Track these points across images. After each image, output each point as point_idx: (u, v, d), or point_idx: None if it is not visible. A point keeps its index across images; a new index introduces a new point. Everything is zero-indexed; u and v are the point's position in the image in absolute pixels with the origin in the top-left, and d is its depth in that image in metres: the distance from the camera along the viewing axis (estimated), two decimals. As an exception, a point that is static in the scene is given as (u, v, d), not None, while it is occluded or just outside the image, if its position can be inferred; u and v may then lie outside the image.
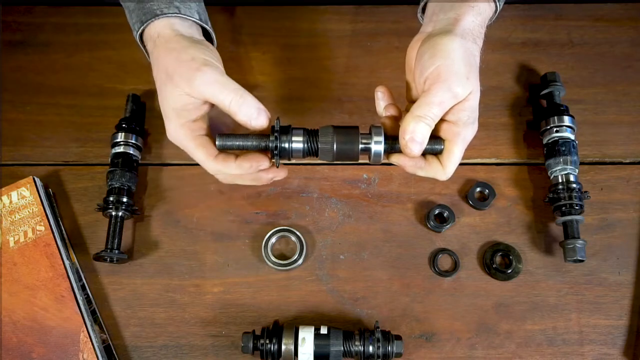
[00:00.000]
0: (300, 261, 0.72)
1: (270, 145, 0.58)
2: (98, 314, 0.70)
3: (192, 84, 0.57)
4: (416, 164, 0.60)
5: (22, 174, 0.74)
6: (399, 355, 0.64)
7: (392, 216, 0.75)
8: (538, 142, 0.77)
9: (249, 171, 0.60)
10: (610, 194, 0.75)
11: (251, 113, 0.57)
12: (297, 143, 0.59)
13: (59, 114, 0.80)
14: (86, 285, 0.71)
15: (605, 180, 0.76)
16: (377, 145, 0.58)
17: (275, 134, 0.58)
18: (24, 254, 0.70)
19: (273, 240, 0.73)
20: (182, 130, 0.60)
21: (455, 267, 0.72)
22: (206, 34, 0.66)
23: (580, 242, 0.69)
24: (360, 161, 0.61)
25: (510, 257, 0.72)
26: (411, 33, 0.63)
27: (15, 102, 0.80)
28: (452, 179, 0.63)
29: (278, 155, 0.59)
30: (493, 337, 0.69)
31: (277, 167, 0.61)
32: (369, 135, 0.58)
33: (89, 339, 0.67)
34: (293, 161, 0.62)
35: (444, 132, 0.59)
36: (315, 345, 0.64)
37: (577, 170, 0.72)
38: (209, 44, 0.63)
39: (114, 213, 0.71)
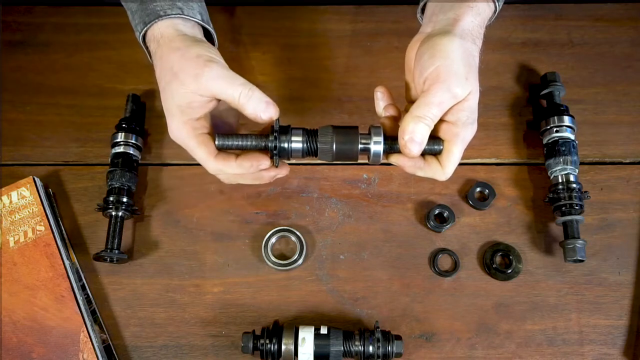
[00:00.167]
0: (300, 261, 0.72)
1: (269, 145, 0.58)
2: (98, 314, 0.70)
3: (200, 80, 0.57)
4: (415, 164, 0.60)
5: (22, 174, 0.74)
6: (399, 355, 0.64)
7: (392, 216, 0.75)
8: (538, 142, 0.77)
9: (249, 170, 0.60)
10: (610, 194, 0.75)
11: (260, 106, 0.57)
12: (297, 143, 0.59)
13: (59, 114, 0.80)
14: (86, 285, 0.71)
15: (605, 180, 0.76)
16: (376, 146, 0.58)
17: (275, 134, 0.58)
18: (24, 254, 0.70)
19: (273, 240, 0.73)
20: (184, 127, 0.60)
21: (455, 267, 0.72)
22: (207, 34, 0.66)
23: (580, 242, 0.69)
24: (360, 161, 0.61)
25: (510, 257, 0.72)
26: (411, 33, 0.63)
27: (15, 102, 0.80)
28: (452, 179, 0.63)
29: (277, 155, 0.59)
30: (493, 337, 0.69)
31: (277, 167, 0.61)
32: (368, 135, 0.58)
33: (89, 339, 0.67)
34: (293, 161, 0.62)
35: (443, 133, 0.59)
36: (315, 345, 0.64)
37: (577, 170, 0.72)
38: (210, 44, 0.63)
39: (114, 213, 0.71)
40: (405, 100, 0.63)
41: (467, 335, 0.70)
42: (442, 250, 0.73)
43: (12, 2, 0.85)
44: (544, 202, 0.74)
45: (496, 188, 0.75)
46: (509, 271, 0.71)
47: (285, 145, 0.59)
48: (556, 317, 0.70)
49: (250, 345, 0.64)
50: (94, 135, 0.78)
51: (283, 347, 0.64)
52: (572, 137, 0.73)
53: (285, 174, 0.64)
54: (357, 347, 0.64)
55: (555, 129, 0.73)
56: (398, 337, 0.65)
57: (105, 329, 0.70)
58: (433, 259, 0.72)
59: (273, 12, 0.85)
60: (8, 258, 0.69)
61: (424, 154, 0.59)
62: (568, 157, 0.72)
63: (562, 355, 0.69)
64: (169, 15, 0.61)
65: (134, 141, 0.74)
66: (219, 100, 0.60)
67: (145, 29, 0.62)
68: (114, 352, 0.69)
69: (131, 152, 0.74)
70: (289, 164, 0.64)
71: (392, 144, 0.59)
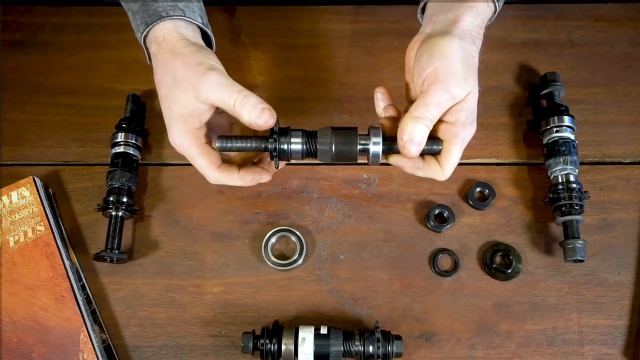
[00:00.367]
0: (300, 261, 0.72)
1: (269, 147, 0.59)
2: (98, 314, 0.70)
3: (199, 87, 0.57)
4: (415, 164, 0.60)
5: (22, 174, 0.74)
6: (399, 355, 0.64)
7: (392, 216, 0.75)
8: (538, 142, 0.77)
9: (251, 184, 0.62)
10: (610, 194, 0.75)
11: (255, 112, 0.57)
12: (296, 144, 0.59)
13: (59, 114, 0.80)
14: (86, 285, 0.71)
15: (605, 180, 0.76)
16: (375, 146, 0.58)
17: (275, 136, 0.58)
18: (24, 254, 0.70)
19: (273, 240, 0.73)
20: (187, 137, 0.60)
21: (455, 267, 0.72)
22: (205, 37, 0.66)
23: (580, 242, 0.69)
24: (360, 161, 0.61)
25: (510, 257, 0.72)
26: (411, 33, 0.63)
27: (15, 102, 0.80)
28: (452, 179, 0.63)
29: (277, 156, 0.59)
30: (493, 337, 0.69)
31: (277, 168, 0.62)
32: (367, 136, 0.59)
33: (89, 339, 0.67)
34: (293, 161, 0.63)
35: (442, 133, 0.59)
36: (315, 345, 0.64)
37: (577, 170, 0.72)
38: (210, 50, 0.63)
39: (114, 213, 0.71)
40: (405, 101, 0.63)
41: (467, 335, 0.70)
42: (442, 250, 0.73)
43: (12, 2, 0.85)
44: (544, 202, 0.74)
45: (496, 188, 0.75)
46: (509, 271, 0.71)
47: (285, 146, 0.59)
48: (556, 317, 0.70)
49: (250, 345, 0.64)
50: (94, 135, 0.78)
51: (283, 347, 0.64)
52: (572, 137, 0.73)
53: (268, 180, 0.65)
54: (357, 347, 0.64)
55: (555, 129, 0.73)
56: (398, 337, 0.65)
57: (105, 329, 0.70)
58: (433, 259, 0.72)
59: (273, 12, 0.85)
60: (8, 258, 0.69)
61: (423, 154, 0.59)
62: (568, 157, 0.72)
63: (562, 355, 0.69)
64: (171, 16, 0.61)
65: (134, 141, 0.74)
66: (217, 108, 0.60)
67: (148, 30, 0.62)
68: (114, 352, 0.69)
69: (131, 152, 0.74)
70: (289, 164, 0.65)
71: (391, 144, 0.59)
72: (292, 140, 0.59)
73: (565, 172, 0.72)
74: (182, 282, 0.72)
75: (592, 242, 0.72)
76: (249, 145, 0.60)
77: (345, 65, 0.82)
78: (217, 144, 0.60)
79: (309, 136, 0.59)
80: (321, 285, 0.72)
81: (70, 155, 0.78)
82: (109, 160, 0.74)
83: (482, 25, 0.61)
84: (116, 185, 0.72)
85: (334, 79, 0.81)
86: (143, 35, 0.62)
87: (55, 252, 0.70)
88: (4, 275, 0.69)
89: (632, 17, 0.84)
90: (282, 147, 0.59)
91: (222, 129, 0.65)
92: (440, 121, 0.58)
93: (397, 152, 0.59)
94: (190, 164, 0.62)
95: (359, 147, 0.58)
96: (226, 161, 0.63)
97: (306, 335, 0.64)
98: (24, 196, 0.72)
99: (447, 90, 0.55)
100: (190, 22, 0.63)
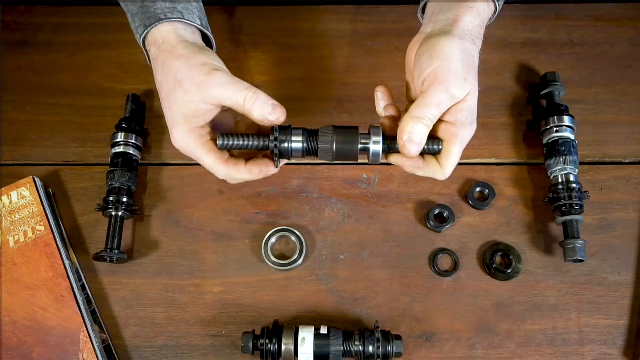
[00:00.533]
0: (300, 261, 0.72)
1: (270, 145, 0.59)
2: (98, 314, 0.70)
3: (204, 88, 0.57)
4: (415, 164, 0.60)
5: (22, 174, 0.74)
6: (399, 355, 0.64)
7: (392, 216, 0.75)
8: (538, 142, 0.77)
9: (258, 176, 0.62)
10: (610, 194, 0.75)
11: (266, 109, 0.57)
12: (297, 143, 0.59)
13: (59, 114, 0.80)
14: (86, 285, 0.71)
15: (605, 180, 0.76)
16: (376, 146, 0.58)
17: (275, 134, 0.59)
18: (24, 254, 0.70)
19: (273, 240, 0.73)
20: (190, 136, 0.60)
21: (455, 267, 0.72)
22: (205, 39, 0.66)
23: (580, 242, 0.69)
24: (360, 161, 0.61)
25: (510, 257, 0.72)
26: (411, 33, 0.63)
27: (15, 102, 0.80)
28: (452, 179, 0.63)
29: (278, 155, 0.59)
30: (493, 337, 0.69)
31: (277, 167, 0.62)
32: (368, 135, 0.59)
33: (89, 339, 0.67)
34: (293, 161, 0.63)
35: (442, 133, 0.59)
36: (315, 345, 0.64)
37: (577, 170, 0.72)
38: (212, 51, 0.63)
39: (114, 213, 0.71)
40: (406, 100, 0.63)
41: (467, 335, 0.70)
42: (442, 250, 0.73)
43: (12, 2, 0.85)
44: (544, 202, 0.74)
45: (496, 188, 0.75)
46: (509, 271, 0.71)
47: (286, 145, 0.59)
48: (556, 317, 0.70)
49: (250, 345, 0.64)
50: (94, 135, 0.78)
51: (283, 347, 0.64)
52: (572, 137, 0.73)
53: (275, 172, 0.65)
54: (357, 347, 0.64)
55: (555, 129, 0.73)
56: (398, 337, 0.65)
57: (105, 329, 0.70)
58: (433, 259, 0.72)
59: (273, 12, 0.85)
60: (8, 258, 0.69)
61: (423, 154, 0.59)
62: (568, 157, 0.72)
63: (562, 355, 0.69)
64: (169, 19, 0.61)
65: (134, 141, 0.74)
66: (222, 107, 0.60)
67: (146, 32, 0.62)
68: (114, 352, 0.69)
69: (131, 152, 0.74)
70: (290, 164, 0.65)
71: (391, 144, 0.59)
72: (293, 138, 0.59)
73: (565, 172, 0.72)
74: (182, 282, 0.72)
75: (592, 242, 0.72)
76: (250, 143, 0.60)
77: (345, 65, 0.82)
78: (218, 142, 0.60)
79: (310, 135, 0.60)
80: (321, 285, 0.72)
81: (70, 155, 0.78)
82: (109, 160, 0.74)
83: (483, 25, 0.61)
84: (116, 185, 0.72)
85: (334, 79, 0.81)
86: (142, 37, 0.62)
87: (55, 252, 0.70)
88: (4, 275, 0.69)
89: (632, 17, 0.84)
90: (283, 145, 0.59)
91: (227, 127, 0.65)
92: (440, 121, 0.58)
93: (398, 151, 0.59)
94: (190, 164, 0.63)
95: (359, 146, 0.59)
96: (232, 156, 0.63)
97: (306, 335, 0.64)
98: (24, 196, 0.72)
99: (446, 90, 0.55)
100: (189, 24, 0.63)
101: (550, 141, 0.74)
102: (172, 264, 0.73)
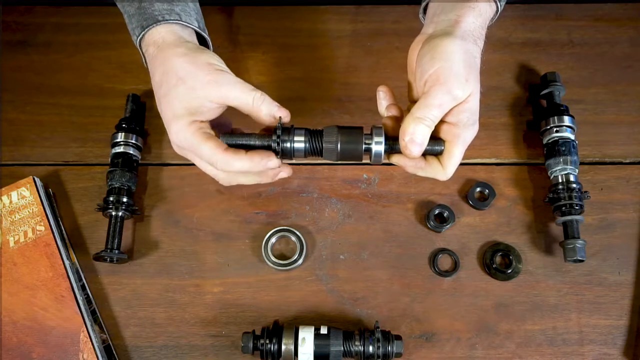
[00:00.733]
0: (300, 261, 0.72)
1: (272, 144, 0.59)
2: (98, 314, 0.70)
3: (213, 86, 0.57)
4: (416, 164, 0.60)
5: (22, 174, 0.74)
6: (399, 355, 0.64)
7: (392, 216, 0.75)
8: (538, 142, 0.77)
9: (259, 164, 0.59)
10: (610, 194, 0.75)
11: (273, 109, 0.59)
12: (299, 143, 0.60)
13: (59, 114, 0.80)
14: (86, 285, 0.71)
15: (605, 180, 0.76)
16: (378, 146, 0.59)
17: (278, 133, 0.59)
18: (24, 254, 0.70)
19: (273, 240, 0.73)
20: (190, 127, 0.59)
21: (455, 267, 0.72)
22: (202, 41, 0.66)
23: (580, 242, 0.69)
24: (361, 161, 0.61)
25: (510, 257, 0.72)
26: (412, 33, 0.64)
27: (15, 102, 0.80)
28: (452, 179, 0.63)
29: (280, 154, 0.60)
30: (493, 337, 0.69)
31: (278, 166, 0.62)
32: (370, 135, 0.59)
33: (89, 339, 0.67)
34: (294, 161, 0.63)
35: (444, 134, 0.59)
36: (315, 345, 0.64)
37: (577, 170, 0.72)
38: (214, 53, 0.63)
39: (114, 213, 0.71)
40: (407, 100, 0.63)
41: (467, 335, 0.70)
42: (442, 250, 0.73)
43: (12, 2, 0.85)
44: (544, 202, 0.74)
45: (496, 188, 0.75)
46: (509, 271, 0.71)
47: (288, 144, 0.59)
48: (556, 317, 0.70)
49: (250, 345, 0.64)
50: (94, 135, 0.78)
51: (283, 347, 0.64)
52: (572, 137, 0.73)
53: (288, 176, 0.64)
54: (357, 347, 0.64)
55: (555, 129, 0.73)
56: (398, 337, 0.65)
57: (105, 329, 0.70)
58: (433, 259, 0.72)
59: (273, 12, 0.85)
60: (8, 258, 0.69)
61: (425, 154, 0.60)
62: (568, 157, 0.72)
63: (562, 355, 0.69)
64: (167, 20, 0.61)
65: (134, 141, 0.74)
66: (225, 107, 0.60)
67: (143, 33, 0.62)
68: (114, 352, 0.69)
69: (131, 152, 0.74)
70: (290, 164, 0.65)
71: (393, 144, 0.59)
72: (296, 138, 0.60)
73: (565, 172, 0.72)
74: (182, 282, 0.72)
75: (592, 242, 0.72)
76: (252, 142, 0.60)
77: (345, 65, 0.82)
78: (220, 140, 0.60)
79: (312, 134, 0.60)
80: (321, 285, 0.72)
81: (70, 155, 0.78)
82: (109, 160, 0.74)
83: (484, 26, 0.61)
84: (116, 185, 0.72)
85: (334, 79, 0.81)
86: (138, 38, 0.62)
87: (55, 252, 0.70)
88: (4, 275, 0.69)
89: (632, 17, 0.84)
90: (285, 144, 0.59)
91: (225, 128, 0.65)
92: (442, 122, 0.58)
93: (400, 151, 0.59)
94: (190, 164, 0.62)
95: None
96: None
97: (306, 335, 0.64)
98: (24, 196, 0.72)
99: (448, 91, 0.55)
100: (187, 26, 0.63)
101: (550, 141, 0.74)
102: (172, 264, 0.73)
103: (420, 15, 0.67)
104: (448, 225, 0.73)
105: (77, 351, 0.66)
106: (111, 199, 0.71)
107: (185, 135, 0.59)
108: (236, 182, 0.63)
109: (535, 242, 0.73)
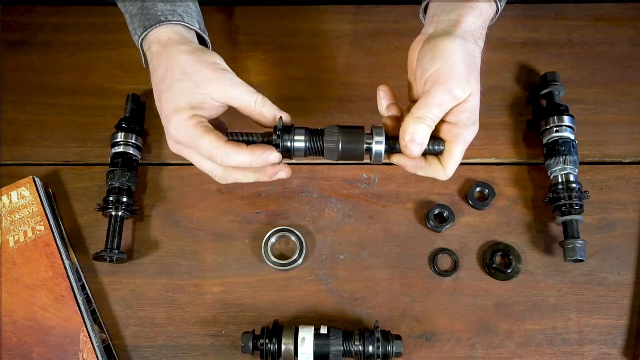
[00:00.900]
0: (300, 261, 0.72)
1: (273, 143, 0.59)
2: (98, 314, 0.70)
3: (218, 85, 0.58)
4: (417, 164, 0.61)
5: (22, 174, 0.74)
6: (399, 355, 0.64)
7: (392, 216, 0.75)
8: (538, 142, 0.77)
9: (260, 158, 0.58)
10: (610, 194, 0.75)
11: (274, 111, 0.60)
12: (300, 142, 0.60)
13: (59, 114, 0.80)
14: (86, 285, 0.71)
15: (605, 180, 0.76)
16: (378, 146, 0.59)
17: (278, 132, 0.59)
18: (24, 254, 0.70)
19: (273, 240, 0.73)
20: (191, 121, 0.58)
21: (455, 267, 0.72)
22: (202, 43, 0.66)
23: (580, 242, 0.69)
24: (361, 161, 0.61)
25: (510, 257, 0.72)
26: (412, 33, 0.64)
27: (15, 102, 0.80)
28: (452, 179, 0.63)
29: (280, 153, 0.60)
30: (493, 337, 0.69)
31: (279, 160, 0.62)
32: (370, 135, 0.59)
33: (89, 339, 0.67)
34: (294, 161, 0.63)
35: (444, 133, 0.59)
36: (315, 345, 0.64)
37: (577, 170, 0.72)
38: (218, 55, 0.63)
39: (114, 213, 0.71)
40: (407, 100, 0.63)
41: (467, 335, 0.70)
42: (442, 250, 0.73)
43: (12, 2, 0.85)
44: (544, 202, 0.74)
45: (496, 188, 0.75)
46: (509, 271, 0.71)
47: (289, 144, 0.60)
48: (556, 317, 0.70)
49: (250, 345, 0.64)
50: (94, 135, 0.78)
51: (283, 347, 0.64)
52: (572, 137, 0.73)
53: (287, 177, 0.63)
54: (357, 347, 0.64)
55: (555, 129, 0.73)
56: (398, 337, 0.65)
57: (105, 329, 0.70)
58: (433, 259, 0.72)
59: (273, 12, 0.85)
60: (8, 258, 0.69)
61: (425, 154, 0.60)
62: (568, 157, 0.72)
63: (562, 355, 0.69)
64: (170, 21, 0.61)
65: (134, 141, 0.74)
66: (227, 107, 0.60)
67: (146, 33, 0.62)
68: (114, 352, 0.69)
69: (131, 152, 0.74)
70: (290, 164, 0.65)
71: (393, 144, 0.59)
72: (296, 137, 0.60)
73: (565, 172, 0.72)
74: (182, 282, 0.72)
75: (592, 242, 0.72)
76: (252, 141, 0.61)
77: (345, 65, 0.82)
78: None
79: (312, 134, 0.60)
80: (321, 285, 0.72)
81: (70, 155, 0.78)
82: (109, 160, 0.74)
83: (485, 26, 0.61)
84: (116, 185, 0.72)
85: (334, 79, 0.81)
86: (141, 38, 0.62)
87: (55, 252, 0.70)
88: (4, 275, 0.69)
89: (632, 17, 0.84)
90: (285, 144, 0.59)
91: (222, 128, 0.65)
92: (442, 121, 0.58)
93: (400, 151, 0.59)
94: (190, 164, 0.62)
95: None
96: None
97: (306, 335, 0.64)
98: (24, 196, 0.72)
99: (449, 91, 0.55)
100: (189, 27, 0.63)
101: (550, 141, 0.74)
102: (172, 264, 0.73)
103: (421, 16, 0.67)
104: (448, 225, 0.73)
105: (77, 351, 0.66)
106: (111, 199, 0.71)
107: (186, 128, 0.57)
108: (233, 179, 0.62)
109: (535, 242, 0.73)
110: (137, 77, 0.81)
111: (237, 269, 0.73)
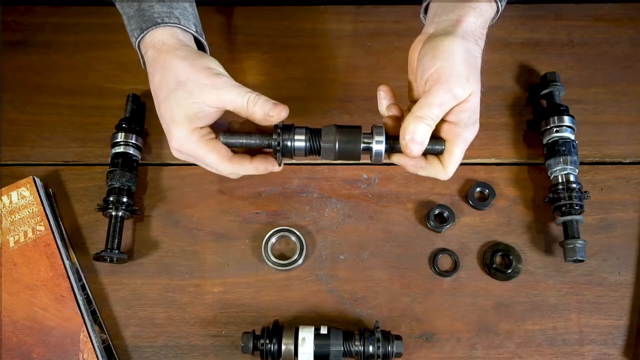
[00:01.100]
0: (300, 261, 0.72)
1: (273, 143, 0.59)
2: (98, 314, 0.70)
3: (210, 90, 0.57)
4: (417, 163, 0.60)
5: (22, 174, 0.74)
6: (399, 355, 0.64)
7: (392, 216, 0.75)
8: (538, 142, 0.77)
9: (263, 172, 0.62)
10: (610, 194, 0.75)
11: (267, 106, 0.58)
12: (299, 142, 0.60)
13: (59, 114, 0.80)
14: (86, 285, 0.71)
15: (605, 180, 0.76)
16: (378, 145, 0.59)
17: (278, 132, 0.59)
18: (24, 254, 0.70)
19: (273, 240, 0.73)
20: (192, 135, 0.59)
21: (455, 267, 0.72)
22: (199, 46, 0.66)
23: (580, 242, 0.69)
24: (360, 161, 0.61)
25: (510, 257, 0.72)
26: (412, 33, 0.64)
27: (15, 102, 0.80)
28: (452, 179, 0.63)
29: (280, 153, 0.60)
30: (493, 337, 0.69)
31: (280, 165, 0.62)
32: (370, 135, 0.59)
33: (89, 339, 0.67)
34: (294, 161, 0.63)
35: (444, 133, 0.59)
36: (315, 345, 0.64)
37: (577, 170, 0.72)
38: (212, 57, 0.63)
39: (114, 213, 0.71)
40: (407, 100, 0.63)
41: (467, 335, 0.70)
42: (442, 250, 0.73)
43: (12, 2, 0.85)
44: (544, 202, 0.74)
45: (496, 188, 0.75)
46: (509, 271, 0.71)
47: (289, 143, 0.60)
48: (556, 317, 0.70)
49: (250, 345, 0.64)
50: (94, 135, 0.78)
51: (283, 347, 0.64)
52: (572, 137, 0.73)
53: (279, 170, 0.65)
54: (357, 347, 0.64)
55: (555, 129, 0.73)
56: (398, 337, 0.65)
57: (105, 329, 0.70)
58: (433, 259, 0.72)
59: (273, 12, 0.85)
60: (8, 258, 0.69)
61: (425, 153, 0.60)
62: (568, 157, 0.72)
63: (562, 355, 0.69)
64: (166, 23, 0.61)
65: (134, 141, 0.74)
66: (224, 111, 0.60)
67: (142, 35, 0.62)
68: (114, 352, 0.69)
69: (131, 152, 0.74)
70: (290, 164, 0.65)
71: (393, 143, 0.59)
72: (296, 137, 0.60)
73: (565, 172, 0.72)
74: (182, 282, 0.72)
75: (592, 242, 0.72)
76: (252, 141, 0.61)
77: (345, 65, 0.82)
78: (221, 140, 0.60)
79: (313, 133, 0.60)
80: (321, 285, 0.72)
81: (70, 155, 0.78)
82: (109, 160, 0.74)
83: (485, 26, 0.61)
84: (116, 185, 0.72)
85: (334, 79, 0.81)
86: (137, 40, 0.62)
87: (55, 252, 0.70)
88: (4, 275, 0.69)
89: (632, 17, 0.84)
90: (285, 143, 0.59)
91: (222, 127, 0.65)
92: (442, 121, 0.58)
93: (400, 151, 0.59)
94: (190, 164, 0.62)
95: (362, 145, 0.59)
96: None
97: (306, 335, 0.64)
98: (24, 196, 0.72)
99: (449, 90, 0.55)
100: (185, 30, 0.63)
101: (550, 141, 0.74)
102: (172, 264, 0.73)
103: (421, 16, 0.67)
104: (448, 225, 0.73)
105: (77, 351, 0.66)
106: (111, 199, 0.71)
107: (189, 142, 0.60)
108: (239, 176, 0.65)
109: (535, 242, 0.73)
110: (137, 77, 0.81)
111: (237, 269, 0.73)
